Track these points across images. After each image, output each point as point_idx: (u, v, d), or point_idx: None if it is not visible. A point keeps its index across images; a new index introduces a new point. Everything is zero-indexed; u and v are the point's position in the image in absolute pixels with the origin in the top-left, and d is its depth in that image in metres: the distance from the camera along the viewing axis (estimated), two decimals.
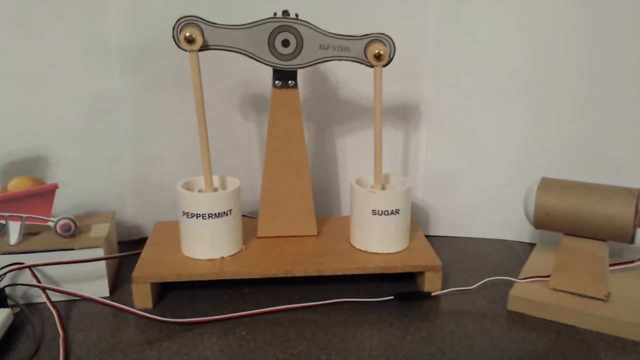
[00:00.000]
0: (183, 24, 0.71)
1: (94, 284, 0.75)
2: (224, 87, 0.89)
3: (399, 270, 0.76)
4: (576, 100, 0.85)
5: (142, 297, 0.73)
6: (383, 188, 0.81)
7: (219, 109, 0.88)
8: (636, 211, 0.67)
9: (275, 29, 0.73)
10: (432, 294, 0.76)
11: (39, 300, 0.73)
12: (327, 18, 0.77)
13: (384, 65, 0.75)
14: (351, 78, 0.90)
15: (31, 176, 0.82)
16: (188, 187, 0.78)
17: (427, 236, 0.88)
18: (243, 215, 0.80)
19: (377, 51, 0.73)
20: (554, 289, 0.74)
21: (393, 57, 0.75)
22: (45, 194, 0.77)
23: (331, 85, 0.91)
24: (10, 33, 0.81)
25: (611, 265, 0.76)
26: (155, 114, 0.89)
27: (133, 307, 0.71)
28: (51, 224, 0.76)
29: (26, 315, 0.70)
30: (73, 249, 0.74)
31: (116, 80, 0.86)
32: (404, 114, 0.93)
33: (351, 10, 0.86)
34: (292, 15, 0.74)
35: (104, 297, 0.74)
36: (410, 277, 0.81)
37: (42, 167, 0.87)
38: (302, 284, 0.79)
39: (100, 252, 0.75)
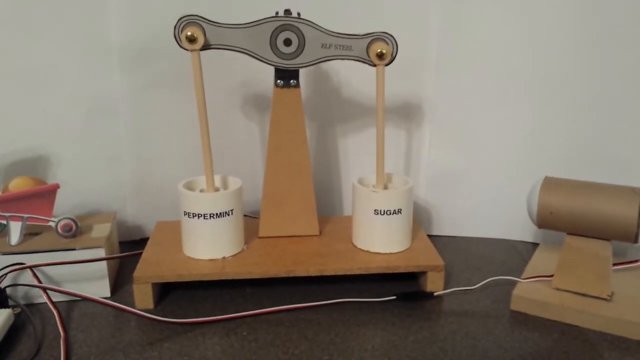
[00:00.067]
0: (184, 23, 0.71)
1: (95, 284, 0.75)
2: (226, 86, 0.89)
3: (401, 270, 0.76)
4: (576, 100, 0.85)
5: (143, 298, 0.73)
6: (385, 187, 0.81)
7: (220, 108, 0.88)
8: None
9: (277, 28, 0.73)
10: (435, 293, 0.76)
11: (40, 300, 0.73)
12: (329, 17, 0.76)
13: (387, 64, 0.75)
14: (353, 77, 0.90)
15: (32, 176, 0.82)
16: (189, 187, 0.78)
17: (430, 236, 0.87)
18: (245, 215, 0.80)
19: (379, 50, 0.73)
20: (557, 289, 0.73)
21: (395, 56, 0.75)
22: (46, 194, 0.77)
23: (333, 85, 0.91)
24: (10, 33, 0.80)
25: (615, 264, 0.76)
26: (155, 114, 0.88)
27: (134, 308, 0.71)
28: (52, 224, 0.76)
29: (27, 315, 0.69)
30: (74, 249, 0.74)
31: (116, 80, 0.86)
32: (407, 113, 0.92)
33: (353, 9, 0.86)
34: (294, 14, 0.74)
35: (105, 298, 0.74)
36: (412, 277, 0.81)
37: (43, 167, 0.87)
38: (304, 284, 0.78)
39: (101, 253, 0.74)
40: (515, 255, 0.90)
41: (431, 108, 0.92)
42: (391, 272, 0.76)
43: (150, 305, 0.73)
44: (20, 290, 0.73)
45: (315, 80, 0.91)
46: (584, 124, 0.86)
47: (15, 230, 0.75)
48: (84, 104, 0.86)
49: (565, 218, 0.70)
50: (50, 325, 0.69)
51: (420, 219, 0.97)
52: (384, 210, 0.77)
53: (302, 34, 0.74)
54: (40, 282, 0.72)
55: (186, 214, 0.75)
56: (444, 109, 0.91)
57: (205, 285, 0.77)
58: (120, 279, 0.81)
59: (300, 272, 0.74)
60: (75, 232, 0.76)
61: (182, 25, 0.71)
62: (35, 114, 0.85)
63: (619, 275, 0.76)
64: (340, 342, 0.66)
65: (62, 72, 0.84)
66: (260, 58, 0.74)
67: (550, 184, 0.72)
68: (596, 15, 0.81)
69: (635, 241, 0.68)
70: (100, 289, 0.75)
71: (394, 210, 0.77)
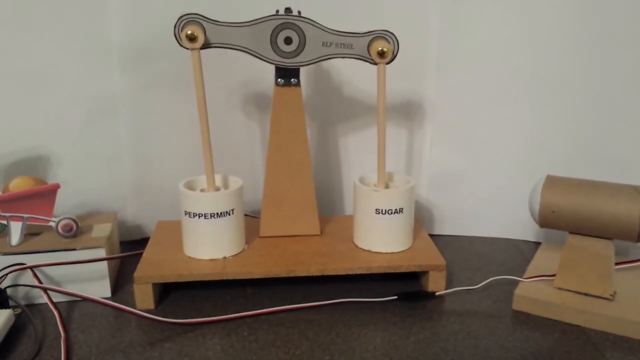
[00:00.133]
0: (185, 22, 0.71)
1: (96, 285, 0.75)
2: (226, 85, 0.89)
3: (402, 270, 0.76)
4: (576, 100, 0.85)
5: (143, 298, 0.72)
6: (386, 187, 0.80)
7: (220, 107, 0.88)
8: None
9: (277, 26, 0.73)
10: (436, 293, 0.76)
11: (41, 301, 0.73)
12: (329, 15, 0.76)
13: (388, 63, 0.74)
14: (354, 76, 0.90)
15: (32, 176, 0.82)
16: (190, 186, 0.78)
17: (431, 235, 0.87)
18: (245, 215, 0.80)
19: (380, 48, 0.73)
20: (559, 288, 0.73)
21: (396, 54, 0.75)
22: (46, 194, 0.77)
23: (334, 83, 0.91)
24: (10, 33, 0.80)
25: (617, 264, 0.76)
26: (155, 113, 0.88)
27: (135, 308, 0.71)
28: (53, 224, 0.76)
29: (27, 316, 0.69)
30: (75, 250, 0.74)
31: (116, 80, 0.85)
32: (408, 112, 0.92)
33: (353, 9, 0.85)
34: (295, 13, 0.74)
35: (105, 298, 0.74)
36: (414, 277, 0.80)
37: (43, 167, 0.87)
38: (305, 284, 0.78)
39: (102, 253, 0.74)
40: (517, 254, 0.90)
41: (432, 107, 0.91)
42: (392, 271, 0.75)
43: (151, 306, 0.73)
44: (21, 291, 0.73)
45: (316, 79, 0.90)
46: (584, 124, 0.86)
47: (15, 230, 0.75)
48: (84, 104, 0.86)
49: (567, 217, 0.70)
50: (50, 325, 0.69)
51: (421, 218, 0.97)
52: (385, 210, 0.76)
53: (303, 32, 0.73)
54: (40, 282, 0.72)
55: (187, 213, 0.75)
56: (444, 109, 0.91)
57: (206, 285, 0.77)
58: (121, 279, 0.81)
59: (301, 271, 0.74)
60: (75, 232, 0.76)
61: (182, 24, 0.71)
62: (35, 114, 0.85)
63: (621, 275, 0.76)
64: (342, 342, 0.66)
65: (62, 72, 0.83)
66: (261, 56, 0.74)
67: (552, 182, 0.72)
68: (596, 15, 0.81)
69: (638, 240, 0.67)
70: (100, 289, 0.75)
71: (396, 209, 0.77)
